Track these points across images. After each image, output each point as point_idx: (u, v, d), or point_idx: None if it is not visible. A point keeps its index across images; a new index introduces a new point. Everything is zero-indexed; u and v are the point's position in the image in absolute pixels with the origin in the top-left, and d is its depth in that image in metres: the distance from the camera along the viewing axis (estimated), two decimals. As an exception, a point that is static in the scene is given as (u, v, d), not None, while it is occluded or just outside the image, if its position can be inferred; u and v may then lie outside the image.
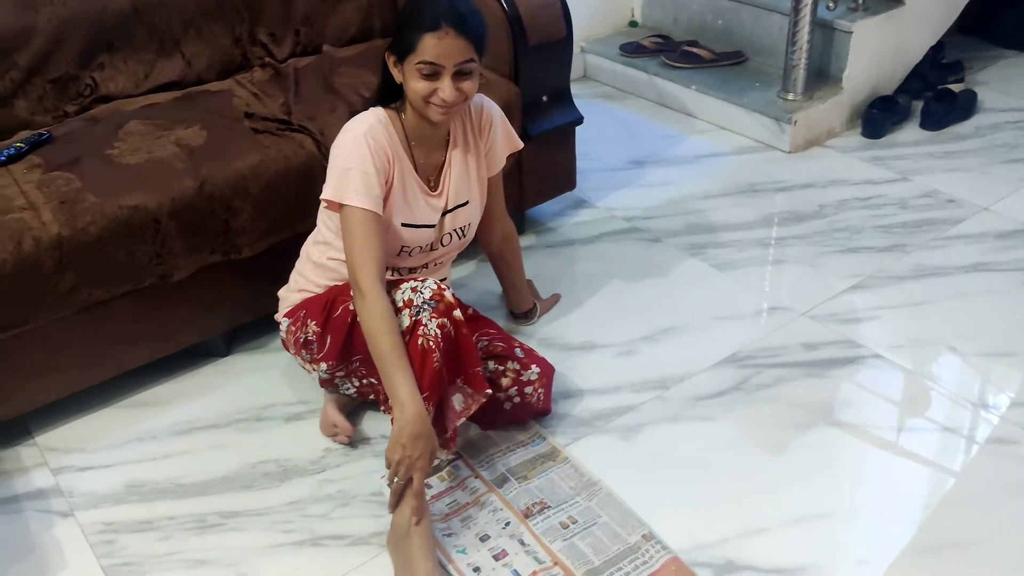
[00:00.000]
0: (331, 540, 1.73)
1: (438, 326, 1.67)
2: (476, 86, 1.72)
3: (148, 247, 1.91)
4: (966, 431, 1.91)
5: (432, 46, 1.62)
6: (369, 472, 1.87)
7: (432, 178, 1.85)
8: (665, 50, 3.38)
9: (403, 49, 1.66)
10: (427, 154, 1.84)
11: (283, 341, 2.00)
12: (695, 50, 3.32)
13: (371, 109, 1.79)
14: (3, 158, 2.00)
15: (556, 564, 1.64)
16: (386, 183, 1.75)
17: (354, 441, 1.93)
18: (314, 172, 2.07)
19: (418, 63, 1.64)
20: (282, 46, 2.51)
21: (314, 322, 1.85)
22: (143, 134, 2.09)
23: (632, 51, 3.43)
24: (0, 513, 1.81)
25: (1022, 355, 2.10)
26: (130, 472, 1.90)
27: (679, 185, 2.86)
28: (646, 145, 3.10)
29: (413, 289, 1.71)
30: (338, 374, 1.88)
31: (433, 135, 1.82)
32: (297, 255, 2.02)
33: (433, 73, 1.65)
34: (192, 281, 2.01)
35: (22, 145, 2.05)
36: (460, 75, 1.67)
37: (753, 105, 3.06)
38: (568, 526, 1.71)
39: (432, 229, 1.86)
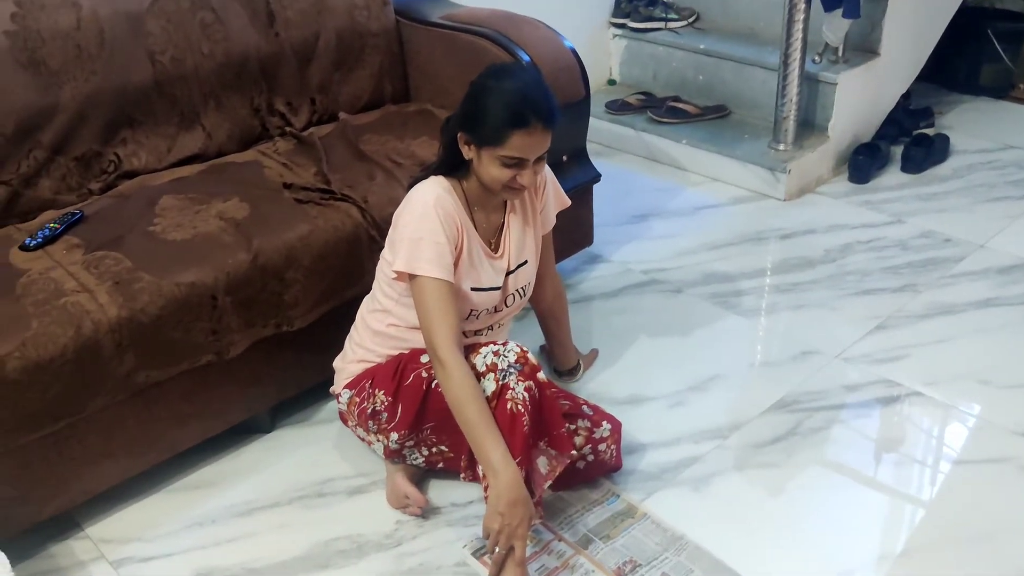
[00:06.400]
0: (425, 615, 1.69)
1: (525, 389, 1.66)
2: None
3: (205, 324, 1.86)
4: (1018, 460, 1.98)
5: (521, 143, 1.64)
6: (447, 542, 1.83)
7: (492, 240, 1.86)
8: (650, 106, 3.47)
9: (484, 139, 1.66)
10: (487, 217, 1.84)
11: (341, 414, 1.96)
12: (680, 105, 3.42)
13: (433, 178, 1.78)
14: (39, 240, 1.93)
15: (661, 622, 1.63)
16: (455, 250, 1.75)
17: (425, 512, 1.89)
18: (361, 240, 2.05)
19: (503, 156, 1.65)
20: (299, 115, 2.49)
21: (383, 391, 1.82)
22: (180, 209, 2.05)
23: (617, 108, 3.51)
24: (62, 613, 1.73)
25: (1051, 385, 2.19)
26: (196, 559, 1.82)
27: (685, 236, 2.92)
28: (643, 199, 3.16)
29: (495, 353, 1.70)
30: (407, 444, 1.85)
31: (492, 200, 1.83)
32: (343, 324, 2.00)
33: (516, 164, 1.67)
34: (242, 356, 1.96)
35: (56, 226, 1.98)
36: (538, 160, 1.69)
37: (746, 156, 3.15)
38: (664, 583, 1.70)
39: (498, 291, 1.86)
